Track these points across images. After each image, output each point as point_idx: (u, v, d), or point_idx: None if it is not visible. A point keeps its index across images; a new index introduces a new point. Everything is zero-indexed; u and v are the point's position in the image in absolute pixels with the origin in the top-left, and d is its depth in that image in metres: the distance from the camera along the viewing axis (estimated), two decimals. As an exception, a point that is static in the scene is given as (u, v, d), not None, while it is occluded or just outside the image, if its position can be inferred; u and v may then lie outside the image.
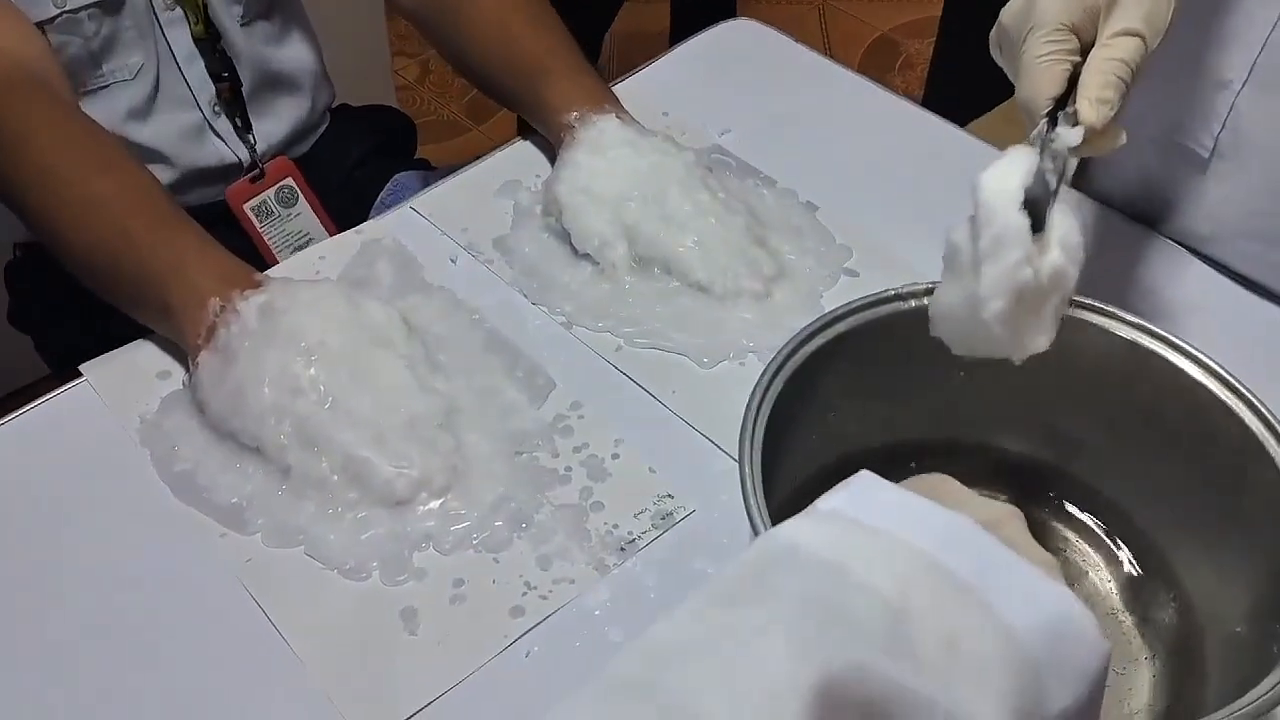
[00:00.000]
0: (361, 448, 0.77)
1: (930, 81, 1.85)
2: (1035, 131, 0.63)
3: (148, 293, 0.85)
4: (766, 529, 0.56)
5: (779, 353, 0.63)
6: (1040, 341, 0.61)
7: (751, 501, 0.57)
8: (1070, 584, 0.68)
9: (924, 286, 0.66)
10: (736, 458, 0.59)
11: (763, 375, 0.62)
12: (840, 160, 1.02)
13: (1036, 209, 0.58)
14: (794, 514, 0.70)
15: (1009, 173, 0.59)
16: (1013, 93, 0.70)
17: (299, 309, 0.81)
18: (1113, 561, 0.70)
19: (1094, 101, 0.61)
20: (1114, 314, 0.64)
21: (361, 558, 0.75)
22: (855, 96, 1.09)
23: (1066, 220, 0.60)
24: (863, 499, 0.46)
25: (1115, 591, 0.69)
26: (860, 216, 0.96)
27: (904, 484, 0.57)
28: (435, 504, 0.77)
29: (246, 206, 1.18)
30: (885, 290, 0.66)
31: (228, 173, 1.18)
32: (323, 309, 0.82)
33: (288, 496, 0.77)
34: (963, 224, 0.61)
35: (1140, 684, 0.65)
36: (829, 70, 1.12)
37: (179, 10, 1.09)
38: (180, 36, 1.10)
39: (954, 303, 0.61)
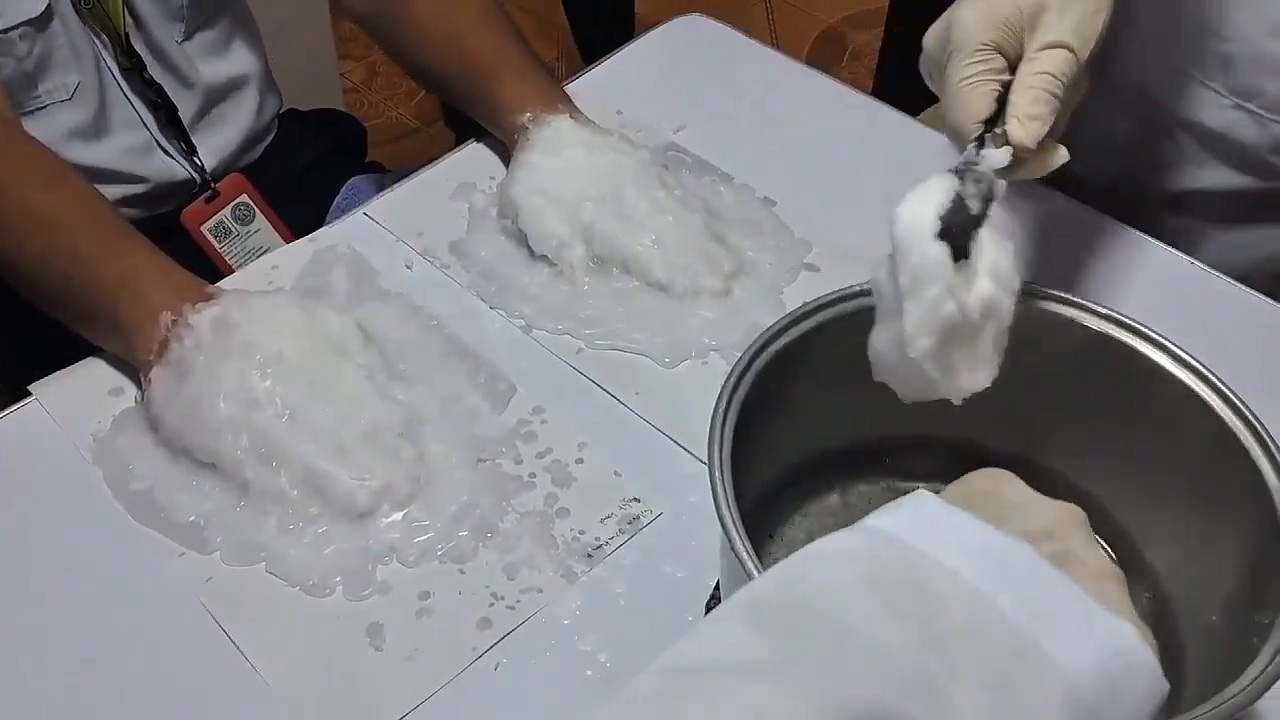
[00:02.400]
0: (321, 460, 0.75)
1: (879, 72, 1.85)
2: (963, 157, 0.60)
3: (97, 308, 0.82)
4: (738, 532, 0.55)
5: (745, 352, 0.62)
6: (979, 378, 0.58)
7: (723, 506, 0.56)
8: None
9: (887, 282, 0.65)
10: (703, 459, 0.58)
11: (729, 376, 0.61)
12: (796, 154, 1.01)
13: (956, 237, 0.55)
14: (765, 516, 0.70)
15: (923, 202, 0.56)
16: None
17: (253, 320, 0.79)
18: (1084, 552, 0.69)
19: (1023, 119, 0.59)
20: (1084, 305, 0.63)
21: (324, 573, 0.73)
22: (808, 90, 1.09)
23: (996, 246, 0.57)
24: (915, 519, 0.44)
25: (1087, 582, 0.68)
26: (818, 210, 0.95)
27: (959, 483, 0.55)
28: (398, 515, 0.76)
29: (204, 228, 1.16)
30: (850, 286, 0.65)
31: (180, 188, 1.15)
32: (278, 320, 0.80)
33: (247, 512, 0.75)
34: (884, 262, 0.58)
35: (1115, 674, 0.65)
36: (781, 65, 1.11)
37: None
38: (113, 60, 1.08)
39: (886, 346, 0.58)
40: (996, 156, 0.59)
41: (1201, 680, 0.58)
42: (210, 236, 1.15)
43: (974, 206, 0.57)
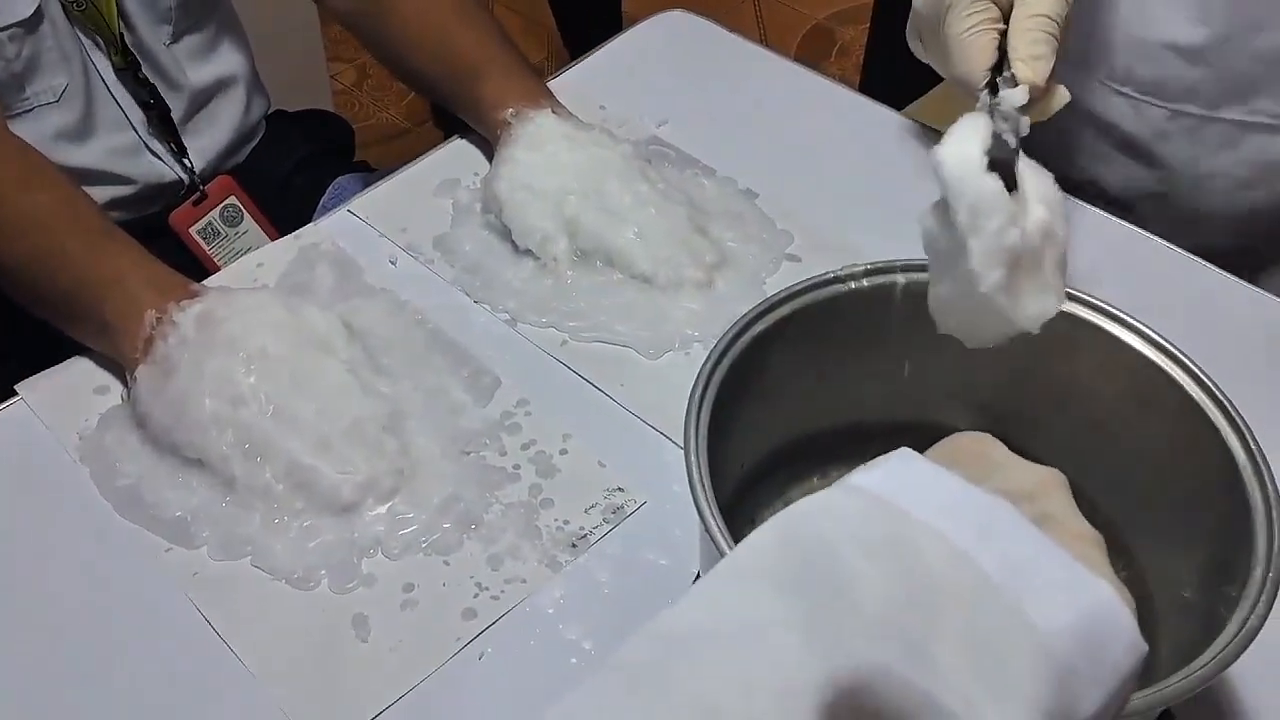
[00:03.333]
0: (306, 454, 0.76)
1: (866, 68, 1.85)
2: (980, 102, 0.62)
3: (83, 308, 0.83)
4: (714, 519, 0.55)
5: (721, 339, 0.62)
6: (1050, 302, 0.58)
7: (699, 490, 0.57)
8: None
9: (863, 267, 0.66)
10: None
11: (705, 362, 0.61)
12: (779, 147, 1.02)
13: (1004, 170, 0.56)
14: (746, 502, 0.70)
15: (967, 140, 0.57)
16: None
17: (237, 317, 0.80)
18: (1062, 534, 0.70)
19: (1028, 60, 0.61)
20: (1051, 286, 0.64)
21: (309, 566, 0.74)
22: (791, 84, 1.09)
23: (1038, 176, 0.58)
24: (899, 477, 0.44)
25: (1066, 563, 0.69)
26: (801, 202, 0.96)
27: (944, 443, 0.54)
28: (382, 508, 0.76)
29: (193, 230, 1.16)
30: (826, 273, 0.66)
31: (168, 189, 1.16)
32: (261, 316, 0.81)
33: (233, 508, 0.76)
34: (929, 210, 0.59)
35: (1094, 654, 0.65)
36: (764, 59, 1.12)
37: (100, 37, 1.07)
38: (105, 60, 1.08)
39: (949, 292, 0.59)
40: (1016, 95, 0.60)
41: (1176, 657, 0.58)
42: (199, 239, 1.16)
43: (1011, 141, 0.58)
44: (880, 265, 0.66)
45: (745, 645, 0.38)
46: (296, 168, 1.28)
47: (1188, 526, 0.61)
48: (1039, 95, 0.61)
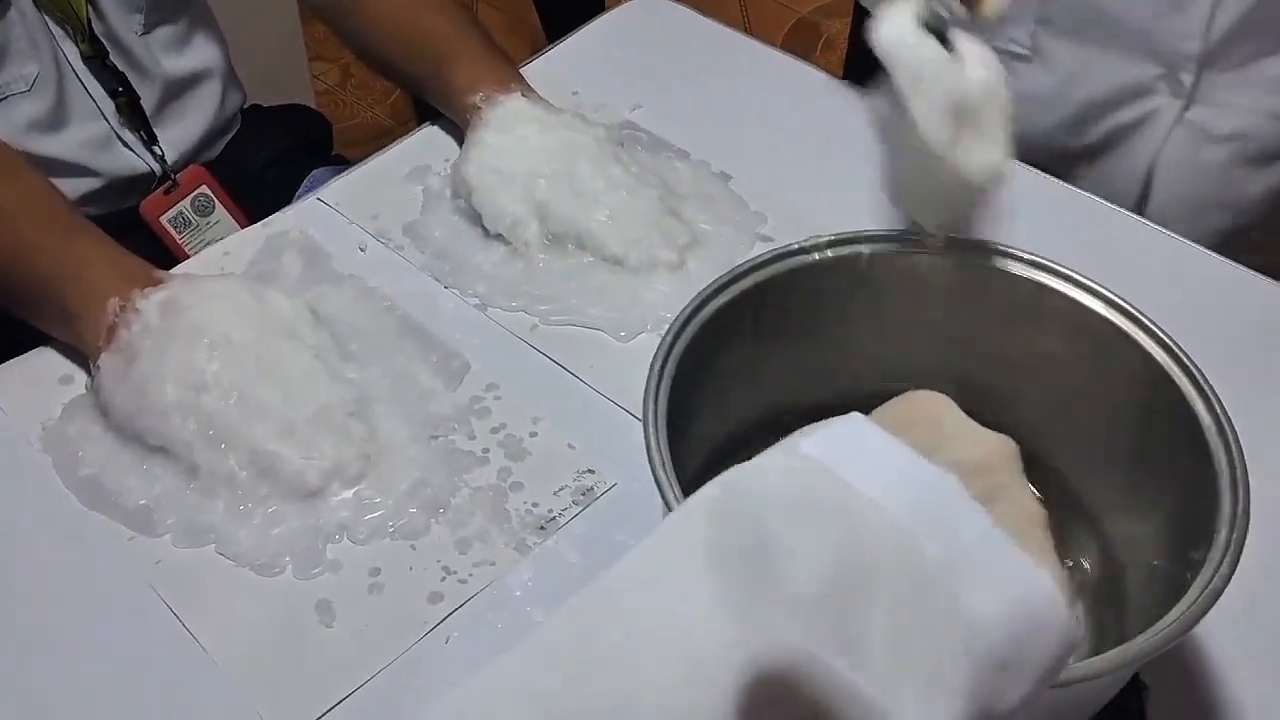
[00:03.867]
0: (270, 441, 0.75)
1: (848, 60, 1.84)
2: None
3: (46, 297, 0.82)
4: (675, 496, 0.55)
5: (682, 312, 0.62)
6: (995, 154, 0.60)
7: (658, 467, 0.56)
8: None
9: (828, 238, 0.65)
10: (646, 422, 0.58)
11: (665, 335, 0.60)
12: (753, 131, 1.01)
13: (943, 28, 0.59)
14: (710, 478, 0.70)
15: (899, 12, 0.60)
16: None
17: (201, 304, 0.79)
18: (1034, 507, 0.69)
19: None
20: (1009, 252, 0.63)
21: (273, 553, 0.73)
22: (765, 67, 1.08)
23: (975, 43, 0.60)
24: (845, 445, 0.42)
25: (1037, 536, 0.68)
26: (774, 184, 0.95)
27: (897, 401, 0.53)
28: (348, 493, 0.75)
29: (163, 219, 1.16)
30: (790, 244, 0.65)
31: (141, 182, 1.15)
32: (226, 303, 0.80)
33: (197, 495, 0.75)
34: (878, 96, 0.62)
35: (1066, 627, 0.64)
36: (738, 43, 1.11)
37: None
38: (74, 48, 1.08)
39: (902, 164, 0.62)
40: None
41: (1144, 625, 0.57)
42: (170, 228, 1.15)
43: (943, 11, 0.60)
44: (845, 236, 0.65)
45: (668, 622, 0.37)
46: (272, 161, 1.27)
47: (1156, 494, 0.61)
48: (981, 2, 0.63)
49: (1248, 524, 0.53)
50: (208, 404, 0.75)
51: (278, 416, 0.76)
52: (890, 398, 0.70)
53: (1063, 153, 1.01)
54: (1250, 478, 0.54)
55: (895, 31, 0.59)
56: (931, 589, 0.38)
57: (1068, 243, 0.79)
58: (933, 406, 0.53)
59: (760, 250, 0.88)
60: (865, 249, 0.65)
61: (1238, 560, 0.51)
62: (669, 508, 0.54)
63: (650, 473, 0.55)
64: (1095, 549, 0.66)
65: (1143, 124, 0.98)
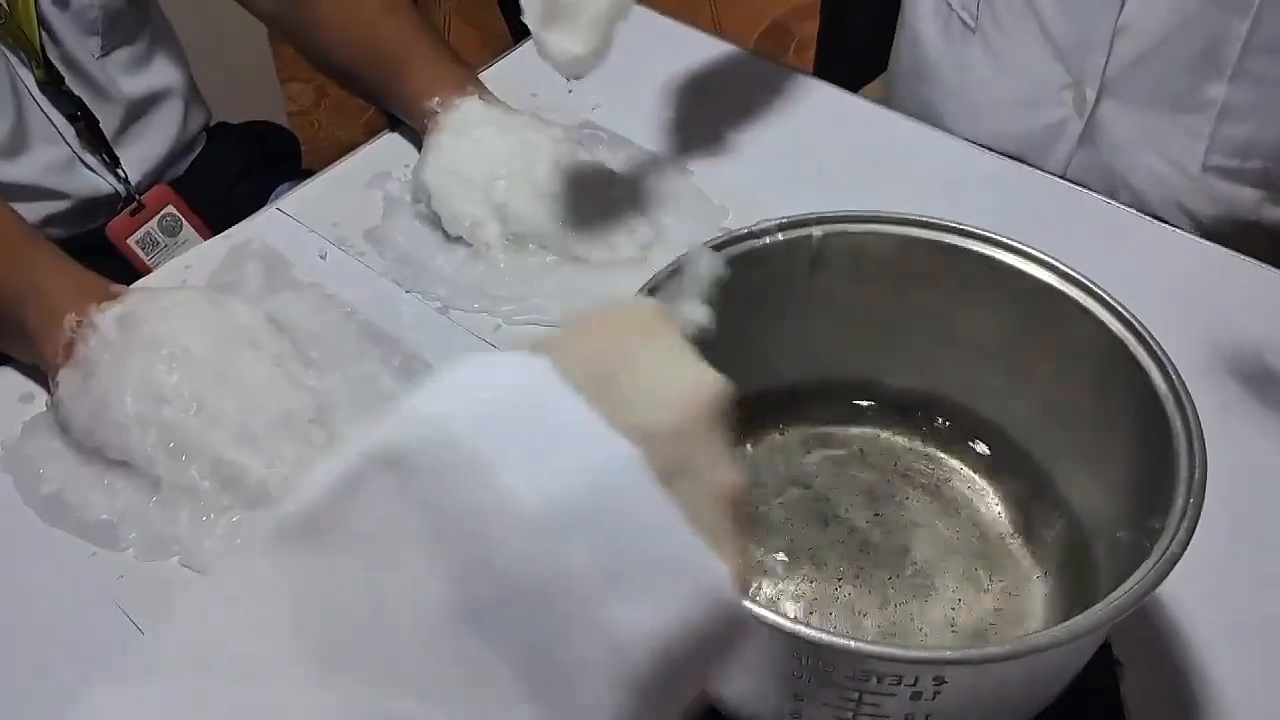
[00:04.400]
0: (231, 450, 0.74)
1: (818, 57, 1.85)
2: None
3: (4, 316, 0.82)
4: None
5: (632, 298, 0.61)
6: (573, 46, 0.73)
7: None
8: (955, 511, 0.67)
9: (777, 221, 0.65)
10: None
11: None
12: (712, 126, 1.01)
13: None
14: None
15: None
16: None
17: (159, 316, 0.78)
18: (999, 486, 0.69)
19: None
20: (965, 230, 0.63)
21: (238, 562, 0.72)
22: (724, 63, 1.08)
23: None
24: (494, 401, 0.33)
25: (1003, 515, 0.67)
26: (736, 178, 0.95)
27: (607, 321, 0.40)
28: (312, 500, 0.74)
29: (130, 241, 1.15)
30: (740, 228, 0.64)
31: (106, 203, 1.15)
32: (184, 313, 0.79)
33: (159, 508, 0.74)
34: None
35: (1035, 604, 0.64)
36: (695, 40, 1.11)
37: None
38: (30, 74, 1.07)
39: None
40: None
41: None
42: (137, 249, 1.14)
43: None
44: (795, 219, 0.65)
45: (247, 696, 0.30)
46: (239, 177, 1.27)
47: (1117, 465, 0.60)
48: None
49: (1204, 490, 0.52)
50: (168, 415, 0.75)
51: (238, 425, 0.75)
52: (849, 385, 0.71)
53: (999, 138, 1.01)
54: (1207, 446, 0.54)
55: None
56: (579, 615, 0.31)
57: (1024, 220, 0.79)
58: (638, 336, 0.40)
59: (722, 243, 0.89)
60: (817, 230, 0.65)
61: (1194, 525, 0.51)
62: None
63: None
64: (1061, 524, 0.65)
65: (1053, 135, 0.99)
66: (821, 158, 0.98)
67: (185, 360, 0.76)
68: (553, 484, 0.31)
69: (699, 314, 0.56)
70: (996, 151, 0.96)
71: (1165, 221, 0.90)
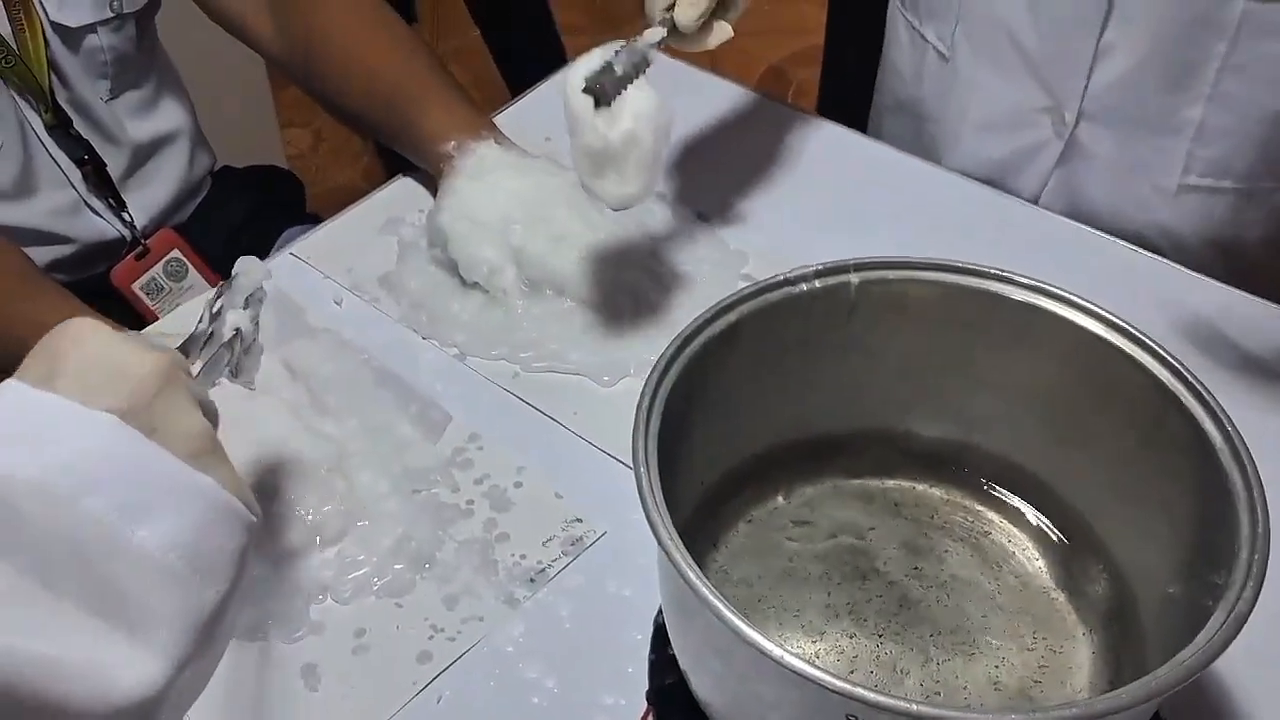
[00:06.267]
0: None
1: (820, 108, 1.85)
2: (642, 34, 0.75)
3: (7, 354, 0.80)
4: (673, 540, 0.52)
5: (666, 349, 0.59)
6: (627, 191, 0.75)
7: (652, 509, 0.53)
8: (996, 565, 0.66)
9: (814, 268, 0.63)
10: (635, 465, 0.56)
11: (651, 375, 0.58)
12: (729, 170, 1.00)
13: (599, 92, 0.72)
14: (707, 525, 0.67)
15: (578, 66, 0.73)
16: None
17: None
18: (1040, 539, 0.67)
19: (685, 6, 0.74)
20: (1004, 276, 0.62)
21: (255, 617, 0.70)
22: (738, 107, 1.08)
23: (643, 95, 0.73)
24: None
25: (1045, 569, 0.66)
26: (753, 223, 0.94)
27: (41, 344, 0.51)
28: (330, 552, 0.73)
29: (135, 286, 1.14)
30: (774, 276, 0.63)
31: (111, 247, 1.13)
32: (198, 360, 0.77)
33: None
34: None
35: (1080, 661, 0.62)
36: (709, 83, 1.11)
37: None
38: (39, 118, 1.06)
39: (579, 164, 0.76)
40: (650, 34, 0.75)
41: (1165, 656, 0.55)
42: (142, 294, 1.13)
43: (620, 70, 0.72)
44: (832, 266, 0.63)
45: None
46: (245, 221, 1.25)
47: (1167, 519, 0.59)
48: (689, 33, 0.76)
49: (1269, 545, 0.51)
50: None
51: (254, 475, 0.73)
52: (884, 435, 0.69)
53: (979, 162, 1.01)
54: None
55: (568, 82, 0.72)
56: (108, 544, 0.42)
57: (1051, 267, 0.78)
58: (76, 335, 0.51)
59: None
60: (854, 278, 0.63)
61: (1262, 582, 0.49)
62: (665, 552, 0.51)
63: (641, 522, 0.52)
64: (1105, 579, 0.64)
65: (1030, 157, 0.99)
66: (836, 201, 0.97)
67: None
68: (52, 457, 0.43)
69: (243, 320, 0.67)
70: (973, 177, 0.97)
71: (1141, 241, 0.91)
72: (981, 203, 0.96)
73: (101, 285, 1.11)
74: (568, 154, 0.99)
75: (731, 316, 0.62)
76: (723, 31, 0.77)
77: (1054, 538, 0.67)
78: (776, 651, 0.46)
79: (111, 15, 1.08)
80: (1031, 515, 0.68)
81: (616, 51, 0.73)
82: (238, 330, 0.65)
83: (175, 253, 1.15)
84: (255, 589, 0.71)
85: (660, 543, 0.51)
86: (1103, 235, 0.92)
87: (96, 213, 1.11)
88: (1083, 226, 0.93)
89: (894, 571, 0.66)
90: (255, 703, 0.66)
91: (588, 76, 0.72)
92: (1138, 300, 0.84)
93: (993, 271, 0.62)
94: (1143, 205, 0.94)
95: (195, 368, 0.62)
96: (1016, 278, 0.62)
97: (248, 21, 1.08)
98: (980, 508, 0.69)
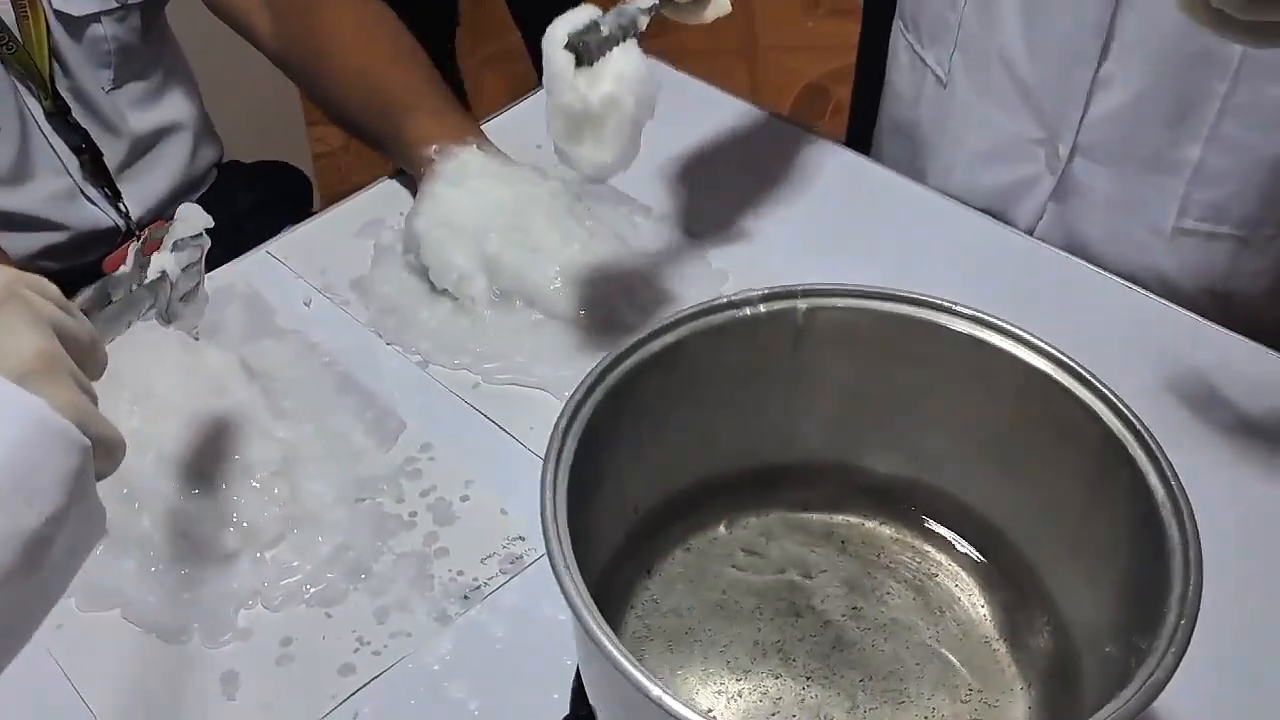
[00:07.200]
0: (186, 500, 0.71)
1: (851, 121, 1.82)
2: None
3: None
4: (578, 590, 0.49)
5: (595, 367, 0.57)
6: (601, 156, 0.71)
7: (554, 544, 0.50)
8: (939, 610, 0.63)
9: (760, 292, 0.61)
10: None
11: (574, 393, 0.56)
12: (720, 187, 0.98)
13: (582, 50, 0.68)
14: (642, 549, 0.65)
15: (561, 23, 0.69)
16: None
17: (125, 354, 0.75)
18: (987, 585, 0.64)
19: None
20: (949, 308, 0.59)
21: (183, 619, 0.69)
22: (738, 122, 1.05)
23: (628, 58, 0.69)
24: None
25: (989, 618, 0.63)
26: (740, 242, 0.92)
27: None
28: (266, 556, 0.71)
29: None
30: (718, 297, 0.61)
31: (106, 236, 1.13)
32: (152, 354, 0.77)
33: (105, 556, 0.71)
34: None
35: (1015, 716, 0.59)
36: (711, 98, 1.08)
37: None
38: (37, 104, 1.06)
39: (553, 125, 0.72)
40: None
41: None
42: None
43: (606, 30, 0.69)
44: (779, 290, 0.61)
45: None
46: (248, 215, 1.25)
47: (1108, 570, 0.56)
48: (694, 5, 0.72)
49: (1198, 609, 0.48)
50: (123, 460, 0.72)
51: (196, 475, 0.72)
52: (834, 468, 0.67)
53: (974, 191, 0.98)
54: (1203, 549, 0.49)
55: (550, 37, 0.69)
56: None
57: (1019, 291, 0.75)
58: None
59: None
60: (802, 304, 0.61)
61: (1184, 649, 0.46)
62: (570, 604, 0.49)
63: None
64: (1049, 632, 0.60)
65: (1023, 190, 0.96)
66: (827, 223, 0.94)
67: (147, 402, 0.74)
68: None
69: (169, 263, 0.67)
70: (970, 205, 0.95)
71: (1136, 283, 0.88)
72: (975, 232, 0.93)
73: (93, 274, 1.11)
74: (555, 163, 0.98)
75: (670, 337, 0.60)
76: (719, 6, 0.73)
77: (1001, 584, 0.64)
78: (655, 692, 0.44)
79: (116, 6, 1.08)
80: (980, 561, 0.65)
81: (604, 12, 0.70)
82: (163, 273, 0.64)
83: (170, 241, 1.14)
84: (186, 589, 0.70)
85: (555, 570, 0.49)
86: (1095, 269, 0.89)
87: (92, 201, 1.11)
88: (1075, 259, 0.90)
89: (831, 610, 0.63)
90: (167, 707, 0.65)
91: (571, 33, 0.69)
92: (1129, 340, 0.82)
93: (943, 303, 0.59)
94: (1138, 247, 0.90)
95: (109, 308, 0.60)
96: (967, 311, 0.59)
97: (251, 19, 1.08)
98: (929, 549, 0.66)
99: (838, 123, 2.33)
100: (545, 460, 0.53)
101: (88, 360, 0.52)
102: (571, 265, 0.85)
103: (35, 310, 0.49)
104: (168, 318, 0.65)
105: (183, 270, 0.67)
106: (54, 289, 0.51)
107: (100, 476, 0.49)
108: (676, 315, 0.60)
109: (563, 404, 0.79)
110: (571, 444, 0.54)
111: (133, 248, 0.63)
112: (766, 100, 1.09)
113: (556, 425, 0.55)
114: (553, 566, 0.49)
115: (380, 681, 0.66)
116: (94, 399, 0.50)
